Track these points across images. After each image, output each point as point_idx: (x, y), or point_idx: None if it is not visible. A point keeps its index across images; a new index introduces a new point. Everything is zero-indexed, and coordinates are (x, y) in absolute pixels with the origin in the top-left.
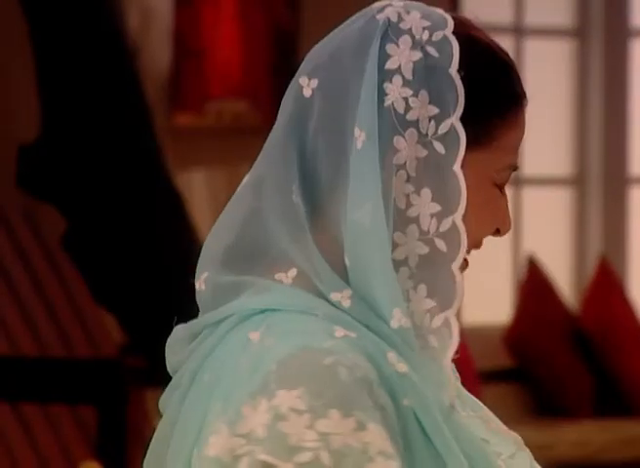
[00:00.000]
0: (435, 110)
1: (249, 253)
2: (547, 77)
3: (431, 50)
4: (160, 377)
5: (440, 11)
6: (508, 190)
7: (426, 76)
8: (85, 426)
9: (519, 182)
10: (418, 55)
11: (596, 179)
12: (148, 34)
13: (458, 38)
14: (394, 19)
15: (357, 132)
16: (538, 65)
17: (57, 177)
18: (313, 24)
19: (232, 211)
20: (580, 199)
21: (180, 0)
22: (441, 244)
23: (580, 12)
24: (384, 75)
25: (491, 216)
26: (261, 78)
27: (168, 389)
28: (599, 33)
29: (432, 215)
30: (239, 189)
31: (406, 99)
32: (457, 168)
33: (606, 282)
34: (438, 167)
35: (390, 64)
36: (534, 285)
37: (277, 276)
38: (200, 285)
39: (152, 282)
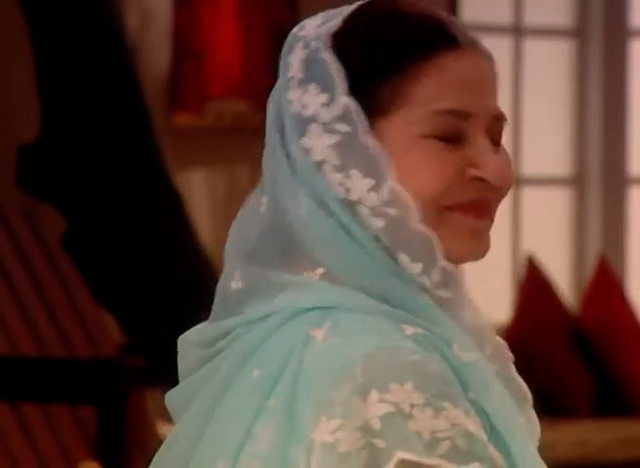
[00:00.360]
0: (325, 96)
1: (272, 255)
2: (547, 77)
3: (314, 43)
4: (160, 377)
5: (355, 5)
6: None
7: (311, 69)
8: (85, 426)
9: (518, 182)
10: (305, 53)
11: (595, 179)
12: (148, 34)
13: (351, 20)
14: (296, 29)
15: (282, 150)
16: (537, 65)
17: (57, 178)
18: None
19: (248, 216)
20: (580, 199)
21: (179, 0)
22: (392, 210)
23: (579, 12)
24: (287, 85)
25: (434, 168)
26: (261, 78)
27: (182, 385)
28: (598, 33)
29: (369, 191)
30: (255, 197)
31: (300, 99)
32: (365, 138)
33: (605, 282)
34: (351, 145)
35: (290, 73)
36: (533, 285)
37: (306, 275)
38: (237, 283)
39: (152, 282)
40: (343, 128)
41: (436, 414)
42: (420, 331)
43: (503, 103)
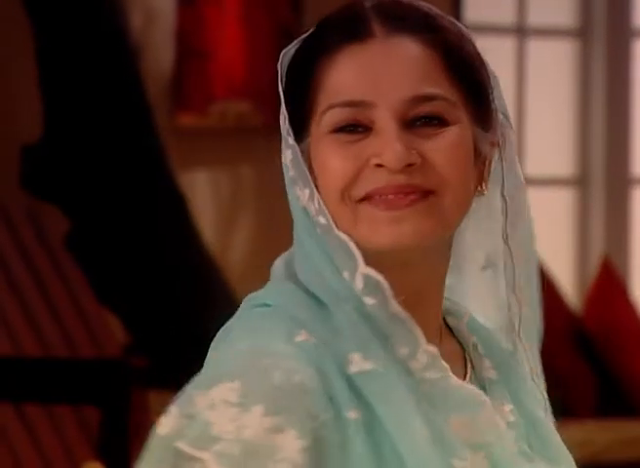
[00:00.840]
0: (284, 114)
1: None
2: (550, 77)
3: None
4: (164, 378)
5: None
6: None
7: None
8: (88, 426)
9: None
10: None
11: (599, 180)
12: (151, 34)
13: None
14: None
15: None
16: (540, 66)
17: (60, 178)
18: None
19: None
20: (583, 199)
21: (183, 0)
22: (321, 218)
23: (582, 12)
24: None
25: (335, 162)
26: (265, 79)
27: None
28: (602, 33)
29: (309, 200)
30: None
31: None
32: (297, 151)
33: (608, 282)
34: (296, 157)
35: None
36: None
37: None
38: None
39: (155, 282)
40: (291, 141)
41: (235, 417)
42: (311, 339)
43: (506, 103)
